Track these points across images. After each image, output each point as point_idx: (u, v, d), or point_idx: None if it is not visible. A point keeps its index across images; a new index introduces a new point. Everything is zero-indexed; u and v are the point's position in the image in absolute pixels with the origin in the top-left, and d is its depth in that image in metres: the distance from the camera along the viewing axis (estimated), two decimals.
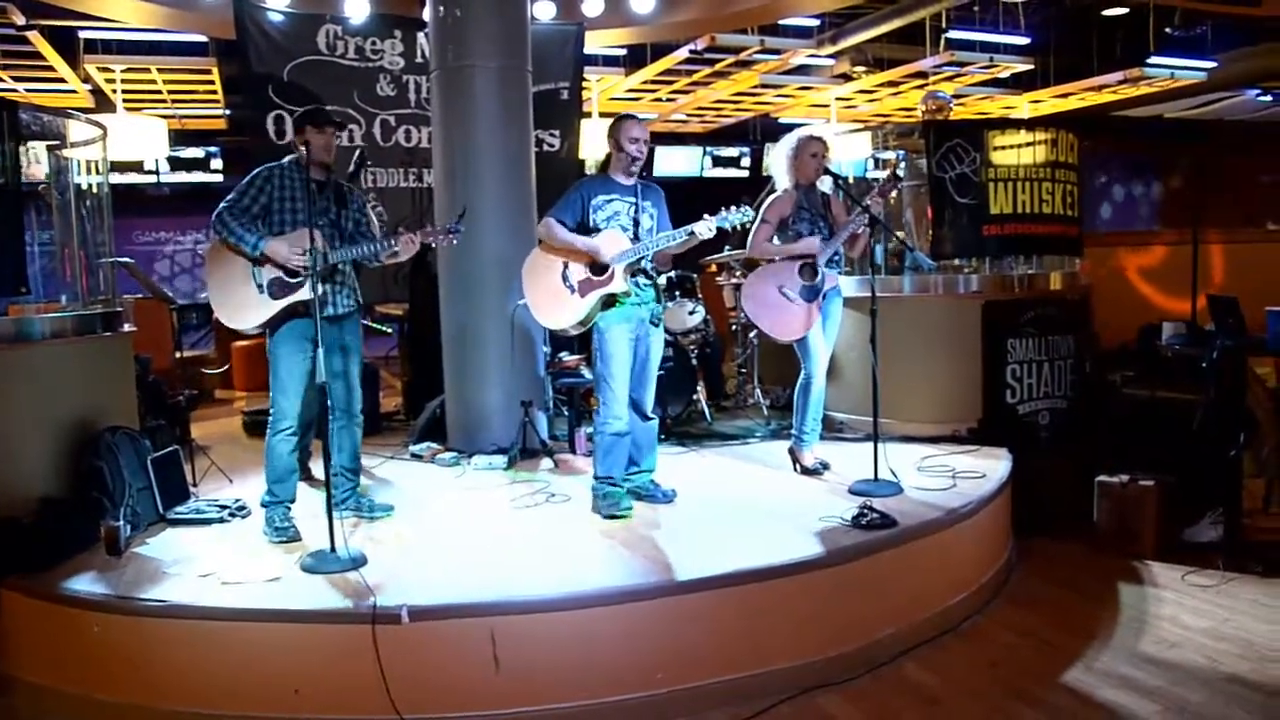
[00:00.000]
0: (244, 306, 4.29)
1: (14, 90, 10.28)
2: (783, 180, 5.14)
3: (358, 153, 5.18)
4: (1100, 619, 4.26)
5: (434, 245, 4.50)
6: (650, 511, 4.54)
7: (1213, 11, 9.31)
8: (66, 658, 3.65)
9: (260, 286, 4.26)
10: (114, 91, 10.27)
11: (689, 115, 14.49)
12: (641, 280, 4.54)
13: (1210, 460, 4.98)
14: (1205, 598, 4.45)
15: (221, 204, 4.27)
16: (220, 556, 4.00)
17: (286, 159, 4.40)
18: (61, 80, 10.17)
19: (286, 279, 4.26)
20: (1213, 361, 5.02)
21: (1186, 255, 7.03)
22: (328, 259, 4.18)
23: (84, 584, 3.72)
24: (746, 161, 16.70)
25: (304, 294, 4.21)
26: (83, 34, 9.42)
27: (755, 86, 12.30)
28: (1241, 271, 6.20)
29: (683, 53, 10.38)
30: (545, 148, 8.00)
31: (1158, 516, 5.07)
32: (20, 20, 7.96)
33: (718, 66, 11.27)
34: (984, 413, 5.77)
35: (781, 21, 10.16)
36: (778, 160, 5.16)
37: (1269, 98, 14.29)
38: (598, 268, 4.45)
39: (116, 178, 10.76)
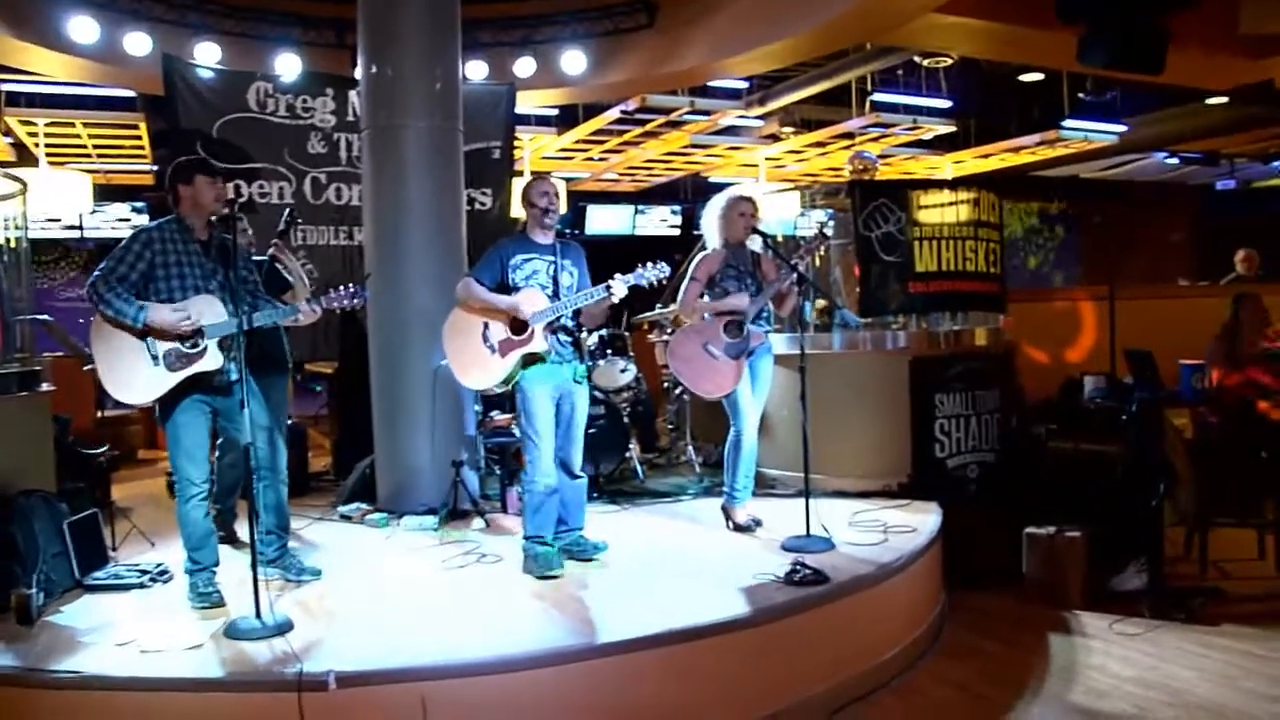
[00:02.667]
0: (137, 380, 4.01)
1: None
2: (713, 239, 5.20)
3: (287, 210, 5.12)
4: (1032, 670, 4.30)
5: (338, 309, 4.32)
6: (581, 571, 4.51)
7: (1119, 79, 9.72)
8: None
9: (155, 358, 4.00)
10: (36, 145, 10.08)
11: (620, 174, 14.66)
12: (562, 338, 4.55)
13: (1133, 510, 5.10)
14: (1132, 646, 4.52)
15: (96, 272, 3.97)
16: (140, 624, 3.86)
17: (163, 218, 4.15)
18: None
19: (185, 350, 4.02)
20: (1132, 414, 5.17)
21: (1105, 310, 7.24)
22: (252, 323, 4.03)
23: None
24: (677, 220, 16.91)
25: (206, 364, 4.04)
26: (4, 86, 9.26)
27: (685, 146, 12.51)
28: (1155, 326, 6.40)
29: (614, 113, 10.52)
30: (477, 206, 8.01)
31: (1085, 566, 5.16)
32: None
33: (648, 126, 11.45)
34: (914, 467, 5.84)
35: (711, 83, 10.36)
36: (708, 219, 5.23)
37: (1175, 160, 14.92)
38: (518, 327, 4.45)
39: (37, 232, 10.54)
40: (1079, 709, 3.90)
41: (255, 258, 5.43)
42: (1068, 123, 12.13)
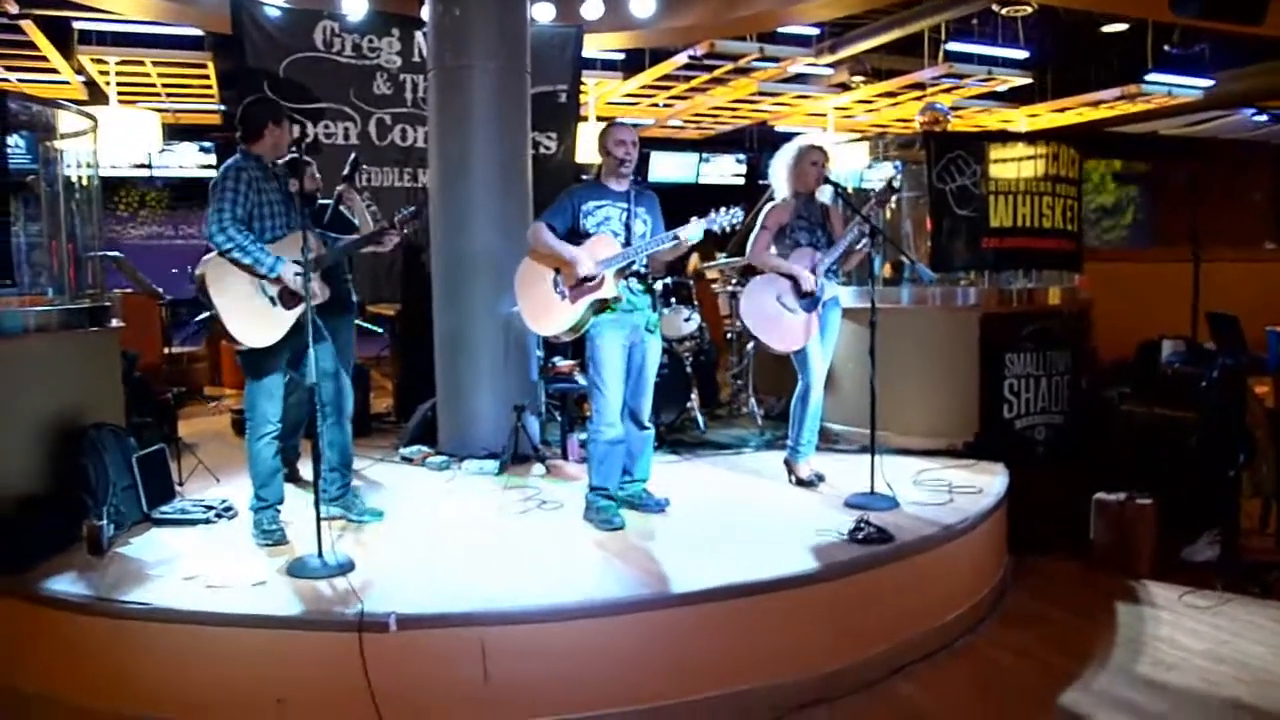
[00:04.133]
0: (261, 322, 4.07)
1: (5, 80, 10.18)
2: (782, 189, 5.09)
3: (352, 155, 5.15)
4: (1097, 639, 4.20)
5: (406, 231, 4.57)
6: (643, 521, 4.48)
7: (1213, 29, 9.29)
8: (42, 659, 3.56)
9: (272, 299, 4.09)
10: (107, 84, 10.18)
11: (685, 121, 14.45)
12: (634, 285, 4.48)
13: (1208, 480, 4.94)
14: (1203, 619, 4.40)
15: (219, 218, 3.97)
16: (205, 559, 3.93)
17: (241, 157, 4.15)
18: (54, 71, 10.08)
19: (295, 288, 4.09)
20: (1212, 380, 4.99)
21: (1181, 272, 7.00)
22: (325, 261, 4.12)
23: (64, 584, 3.64)
24: (742, 169, 16.71)
25: (314, 299, 4.06)
26: (77, 24, 9.34)
27: (753, 94, 12.27)
28: (1237, 290, 6.16)
29: (681, 58, 10.34)
30: (542, 150, 7.94)
31: (1155, 535, 5.03)
32: (14, 9, 7.87)
33: (716, 73, 11.25)
34: (980, 427, 5.72)
35: (781, 29, 10.13)
36: (777, 169, 5.11)
37: (1264, 117, 14.34)
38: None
39: (108, 170, 10.70)
40: (1147, 680, 3.80)
41: (320, 200, 5.45)
42: (1151, 76, 11.68)
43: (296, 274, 4.00)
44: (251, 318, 4.07)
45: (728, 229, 4.35)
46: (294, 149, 4.22)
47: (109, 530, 4.08)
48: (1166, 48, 11.10)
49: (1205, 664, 3.94)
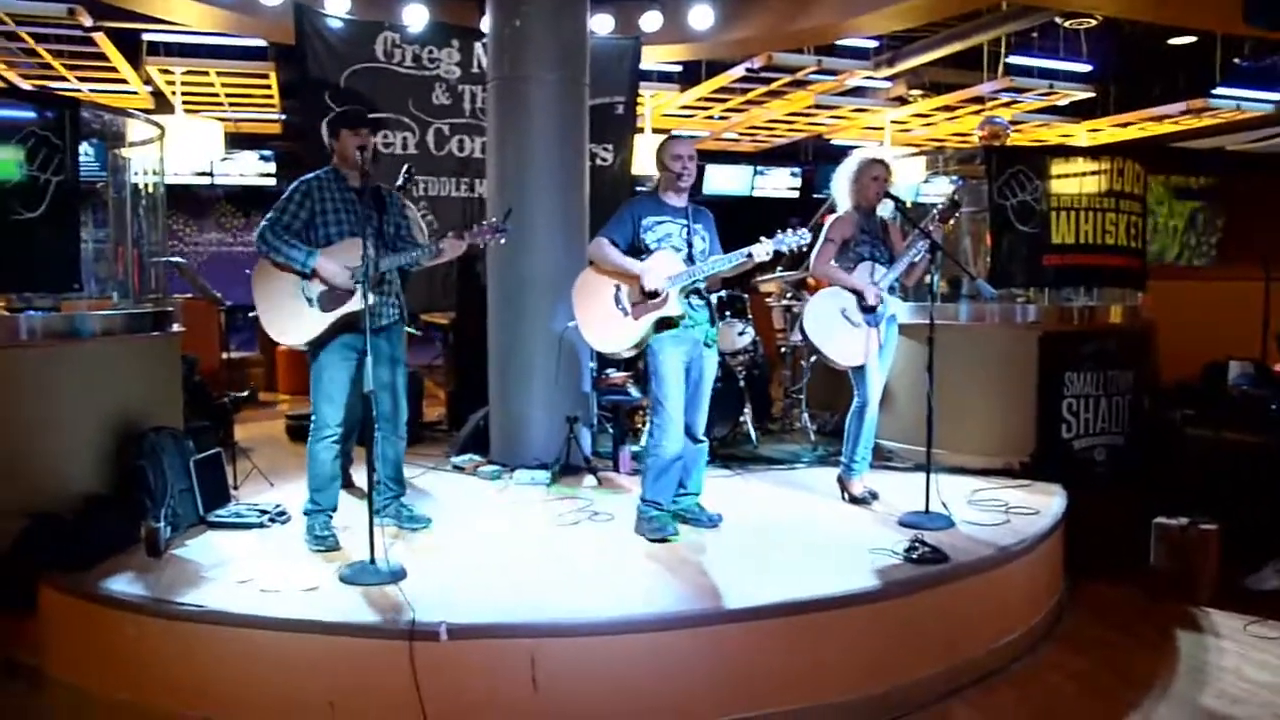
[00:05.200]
0: (295, 321, 4.20)
1: (78, 90, 10.44)
2: (844, 202, 5.04)
3: (405, 166, 5.19)
4: (1158, 668, 4.09)
5: (481, 245, 4.46)
6: (695, 535, 4.45)
7: None
8: (100, 657, 3.62)
9: (310, 300, 4.18)
10: (173, 93, 10.40)
11: (740, 134, 14.42)
12: (695, 301, 4.45)
13: (1275, 505, 4.80)
14: (1270, 650, 4.26)
15: (263, 222, 4.19)
16: (259, 562, 3.97)
17: (323, 169, 4.32)
18: (124, 81, 10.32)
19: (336, 291, 4.18)
20: None
21: (1248, 291, 6.82)
22: (377, 267, 4.13)
23: (122, 584, 3.70)
24: (797, 182, 16.61)
25: (355, 304, 4.13)
26: (146, 36, 9.56)
27: (809, 107, 12.21)
28: None
29: (738, 70, 10.31)
30: (598, 161, 7.96)
31: (1218, 562, 4.88)
32: (88, 22, 8.07)
33: (773, 85, 11.20)
34: (1037, 447, 5.61)
35: (839, 42, 10.08)
36: (839, 182, 5.05)
37: None
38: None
39: (172, 178, 10.91)
40: (1210, 713, 3.69)
41: None
42: (1219, 90, 11.43)
43: (352, 278, 4.10)
44: (286, 317, 4.22)
45: (795, 249, 4.33)
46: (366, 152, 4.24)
47: (166, 532, 4.14)
48: (1237, 61, 10.86)
49: (1273, 698, 3.81)
